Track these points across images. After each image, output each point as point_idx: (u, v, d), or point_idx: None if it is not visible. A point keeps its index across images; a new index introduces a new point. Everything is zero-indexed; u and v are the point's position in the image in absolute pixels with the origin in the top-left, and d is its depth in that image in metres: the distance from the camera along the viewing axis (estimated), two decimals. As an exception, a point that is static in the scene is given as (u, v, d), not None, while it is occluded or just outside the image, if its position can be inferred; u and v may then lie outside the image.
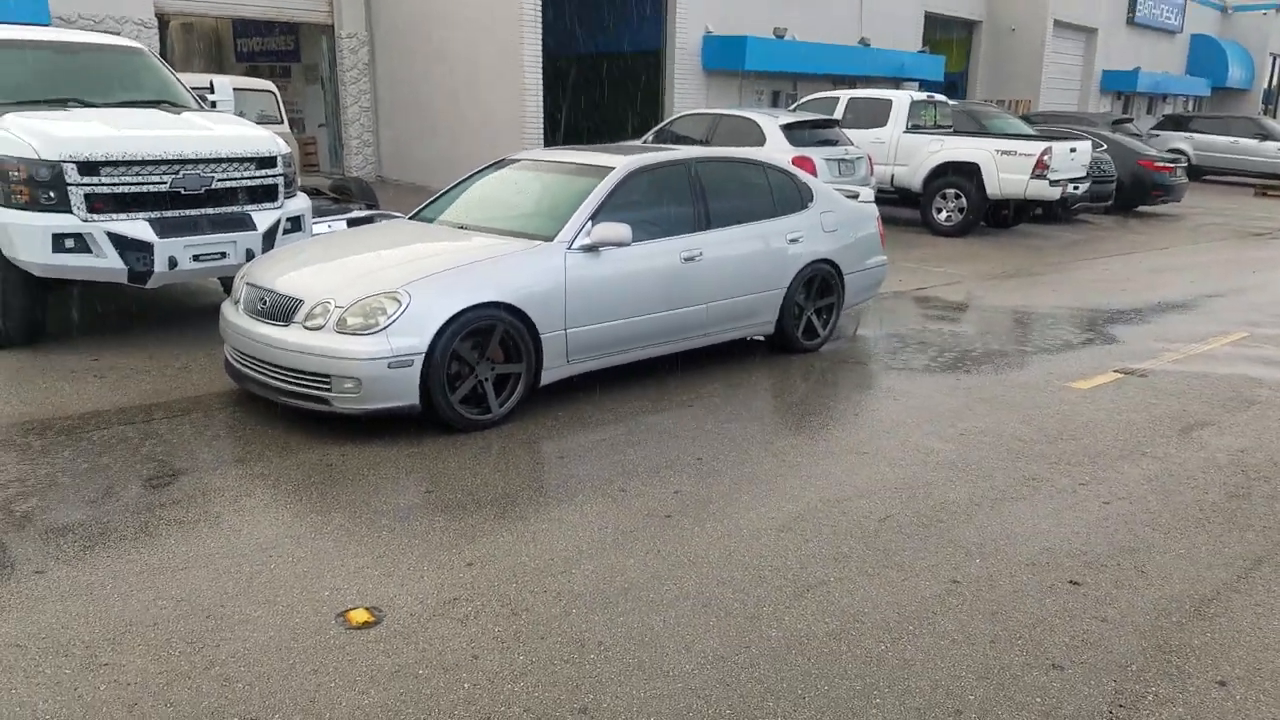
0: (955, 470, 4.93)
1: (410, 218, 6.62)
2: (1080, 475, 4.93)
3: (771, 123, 12.10)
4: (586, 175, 6.07)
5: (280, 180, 7.04)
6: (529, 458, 4.92)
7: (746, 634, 3.38)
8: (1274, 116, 34.52)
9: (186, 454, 4.85)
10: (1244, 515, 4.51)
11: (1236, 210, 19.25)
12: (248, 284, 5.50)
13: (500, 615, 3.44)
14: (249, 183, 6.81)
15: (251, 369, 5.30)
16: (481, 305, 5.15)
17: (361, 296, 4.98)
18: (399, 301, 4.96)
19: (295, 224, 7.23)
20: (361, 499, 4.36)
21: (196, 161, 6.48)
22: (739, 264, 6.46)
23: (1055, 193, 13.21)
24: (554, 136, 16.00)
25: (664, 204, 6.24)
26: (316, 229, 8.26)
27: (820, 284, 7.12)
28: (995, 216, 14.50)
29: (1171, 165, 17.42)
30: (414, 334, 4.95)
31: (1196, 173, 24.41)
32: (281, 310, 5.15)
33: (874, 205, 7.65)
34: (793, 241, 6.80)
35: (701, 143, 12.32)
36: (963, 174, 13.54)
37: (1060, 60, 26.91)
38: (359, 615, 3.41)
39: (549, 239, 5.61)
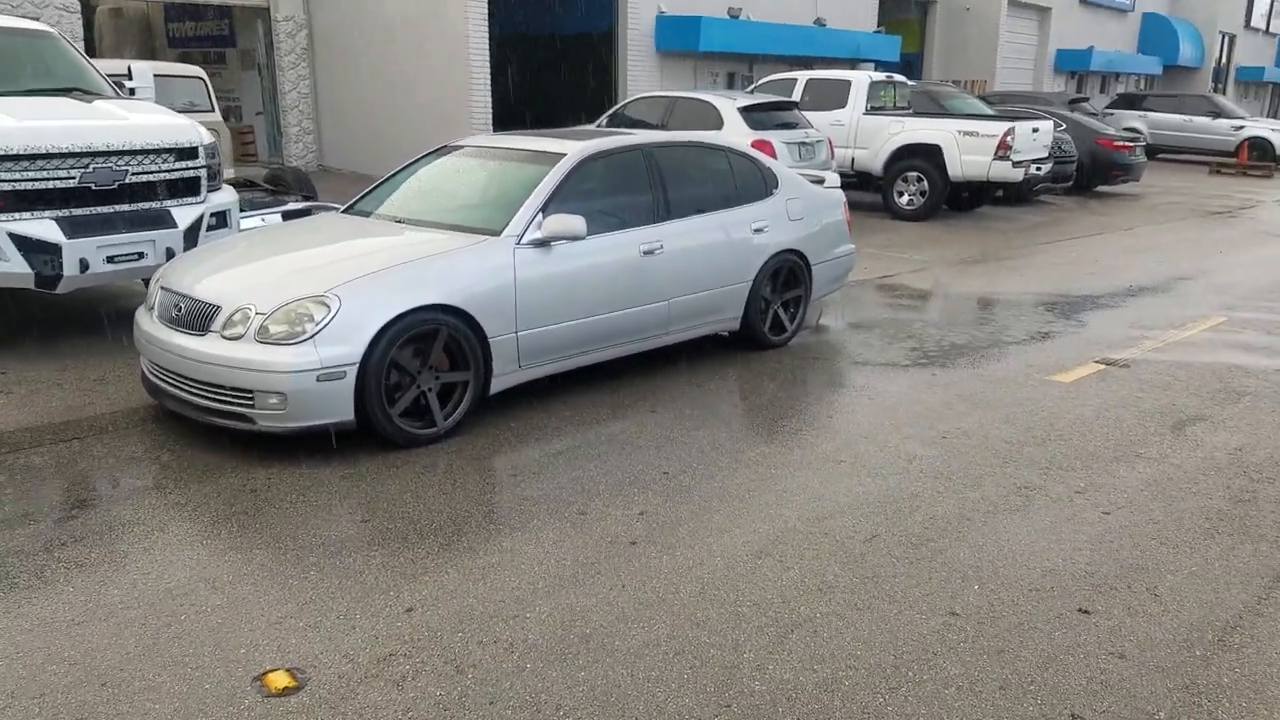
0: (941, 479, 4.56)
1: (344, 211, 6.10)
2: (1075, 482, 4.58)
3: (729, 105, 11.67)
4: (536, 163, 5.60)
5: (203, 172, 6.48)
6: (478, 477, 4.46)
7: (726, 689, 2.96)
8: (1223, 94, 34.79)
9: (97, 481, 4.33)
10: (1254, 523, 4.19)
11: (1193, 189, 19.20)
12: (162, 288, 4.97)
13: (443, 674, 2.99)
14: (168, 176, 6.24)
15: (168, 383, 4.78)
16: (422, 308, 4.67)
17: (285, 302, 4.48)
18: (327, 306, 4.46)
19: (221, 219, 6.67)
20: (288, 532, 3.88)
21: (109, 154, 5.91)
22: (702, 256, 6.04)
23: (1018, 174, 12.94)
24: (503, 122, 15.42)
25: (620, 193, 5.78)
26: (249, 223, 7.71)
27: (787, 276, 6.72)
28: (956, 199, 14.22)
29: (1131, 144, 17.28)
30: (345, 342, 4.46)
31: (1151, 151, 24.38)
32: (198, 318, 4.63)
33: (840, 191, 7.26)
34: (758, 231, 6.39)
35: (657, 127, 11.85)
36: (924, 156, 13.22)
37: (1015, 40, 26.77)
38: (278, 679, 2.94)
39: (496, 233, 5.14)
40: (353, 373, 4.48)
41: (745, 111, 11.59)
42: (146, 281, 7.24)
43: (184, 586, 3.45)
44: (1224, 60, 37.45)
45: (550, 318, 5.24)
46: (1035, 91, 23.32)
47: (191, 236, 6.35)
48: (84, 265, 5.78)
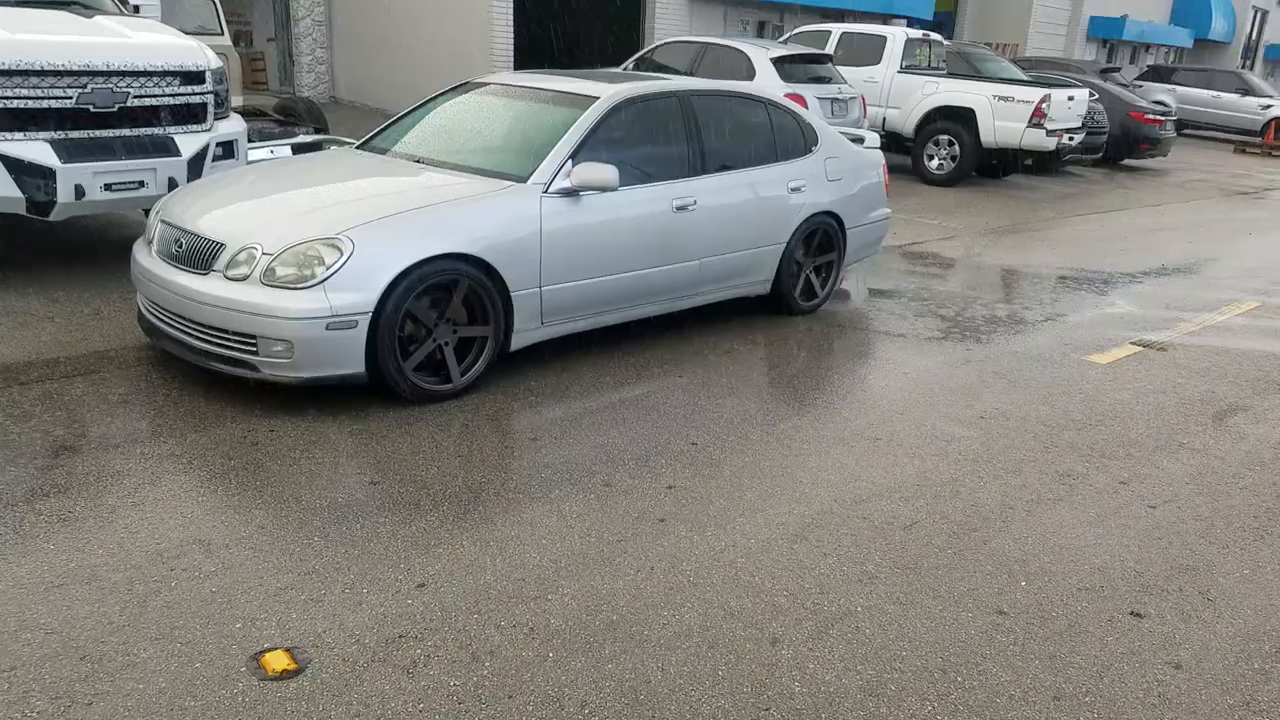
0: (980, 463, 4.29)
1: (359, 147, 5.76)
2: (1118, 471, 4.31)
3: (762, 55, 11.23)
4: (566, 105, 5.25)
5: (209, 99, 6.12)
6: (496, 439, 4.19)
7: (764, 689, 2.71)
8: (1251, 71, 34.06)
9: (86, 425, 4.05)
10: (1319, 530, 3.93)
11: (1219, 167, 18.76)
12: (163, 221, 4.66)
13: (457, 661, 2.73)
14: (172, 100, 5.89)
15: (166, 323, 4.48)
16: (441, 257, 4.37)
17: (294, 242, 4.17)
18: (340, 250, 4.15)
19: (227, 150, 6.33)
20: (291, 492, 3.61)
21: (109, 74, 5.55)
22: (736, 215, 5.71)
23: (1051, 143, 12.54)
24: (525, 63, 14.94)
25: (654, 143, 5.44)
26: (257, 154, 7.37)
27: (821, 239, 6.39)
28: (984, 166, 13.81)
29: (1162, 118, 16.81)
30: (358, 289, 4.16)
31: (1177, 127, 23.89)
32: (200, 255, 4.33)
33: (880, 152, 6.91)
34: (794, 191, 6.05)
35: (685, 74, 11.42)
36: (957, 120, 12.79)
37: (1049, 3, 26.06)
38: (277, 660, 2.68)
39: (521, 180, 4.81)
40: (365, 322, 4.19)
41: (778, 62, 11.15)
42: (147, 213, 6.94)
43: (176, 548, 3.18)
44: (1254, 36, 36.64)
45: (576, 273, 4.93)
46: (1067, 59, 22.72)
47: (195, 166, 6.01)
48: (79, 192, 5.46)
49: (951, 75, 13.51)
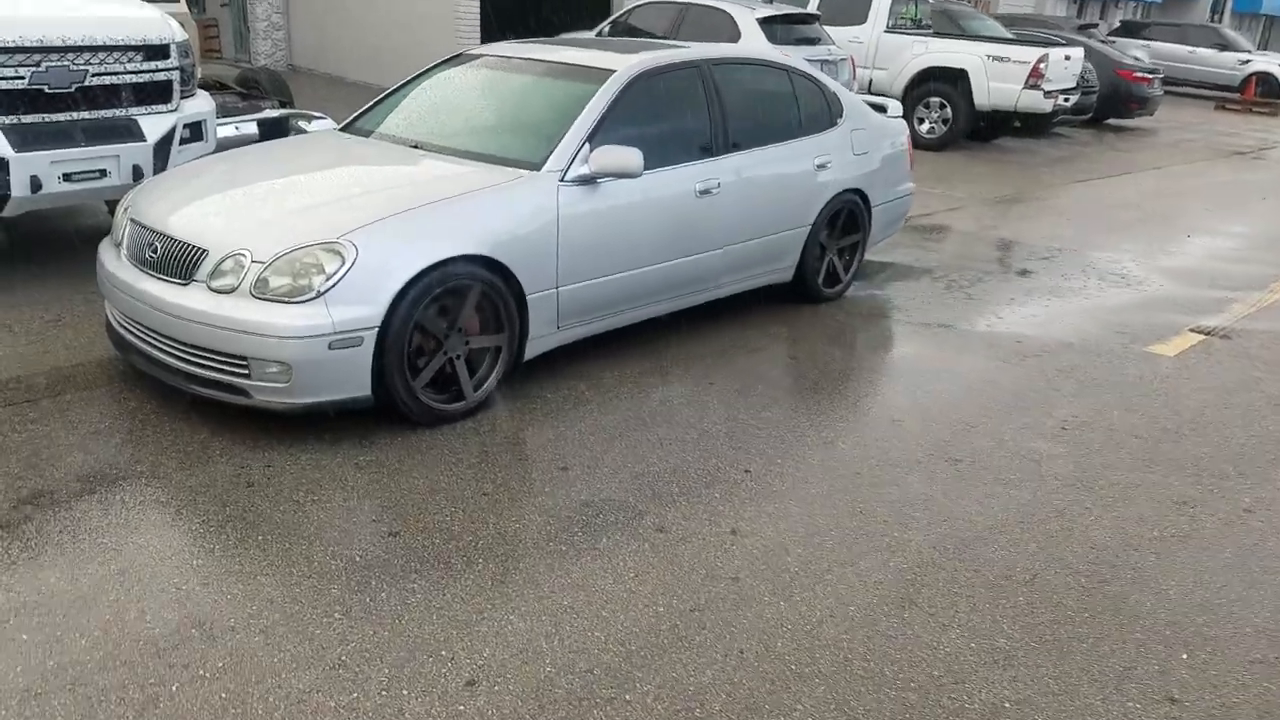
0: (1082, 489, 3.86)
1: (343, 129, 5.17)
2: (1237, 495, 3.90)
3: (747, 15, 10.66)
4: (578, 80, 4.70)
5: (175, 75, 5.49)
6: (521, 469, 3.70)
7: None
8: (1219, 24, 33.85)
9: (51, 464, 3.50)
10: None
11: (1204, 125, 18.48)
12: (132, 221, 4.08)
13: (527, 782, 2.26)
14: (135, 78, 5.25)
15: (140, 339, 3.92)
16: (454, 260, 3.84)
17: (289, 248, 3.62)
18: (341, 256, 3.61)
19: (195, 131, 5.71)
20: (299, 548, 3.10)
21: (64, 50, 4.90)
22: (763, 197, 5.22)
23: (1047, 105, 12.12)
24: (492, 25, 14.19)
25: (675, 120, 4.92)
26: (222, 132, 6.72)
27: (846, 219, 5.92)
28: (973, 129, 13.36)
29: (1150, 76, 16.44)
30: (364, 301, 3.63)
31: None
32: (178, 263, 3.76)
33: (903, 121, 6.43)
34: (820, 167, 5.56)
35: (663, 38, 10.82)
36: (948, 81, 12.32)
37: (1022, -43, 25.51)
38: (309, 790, 2.20)
39: (535, 167, 4.27)
40: (371, 338, 3.66)
41: (765, 23, 10.59)
42: (110, 206, 6.30)
43: (173, 635, 2.67)
44: (1223, -12, 36.42)
45: (595, 270, 4.43)
46: (1043, 15, 22.28)
47: (162, 151, 5.40)
48: (36, 184, 4.83)
49: (939, 34, 13.00)
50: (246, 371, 3.61)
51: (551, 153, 4.31)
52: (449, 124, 4.82)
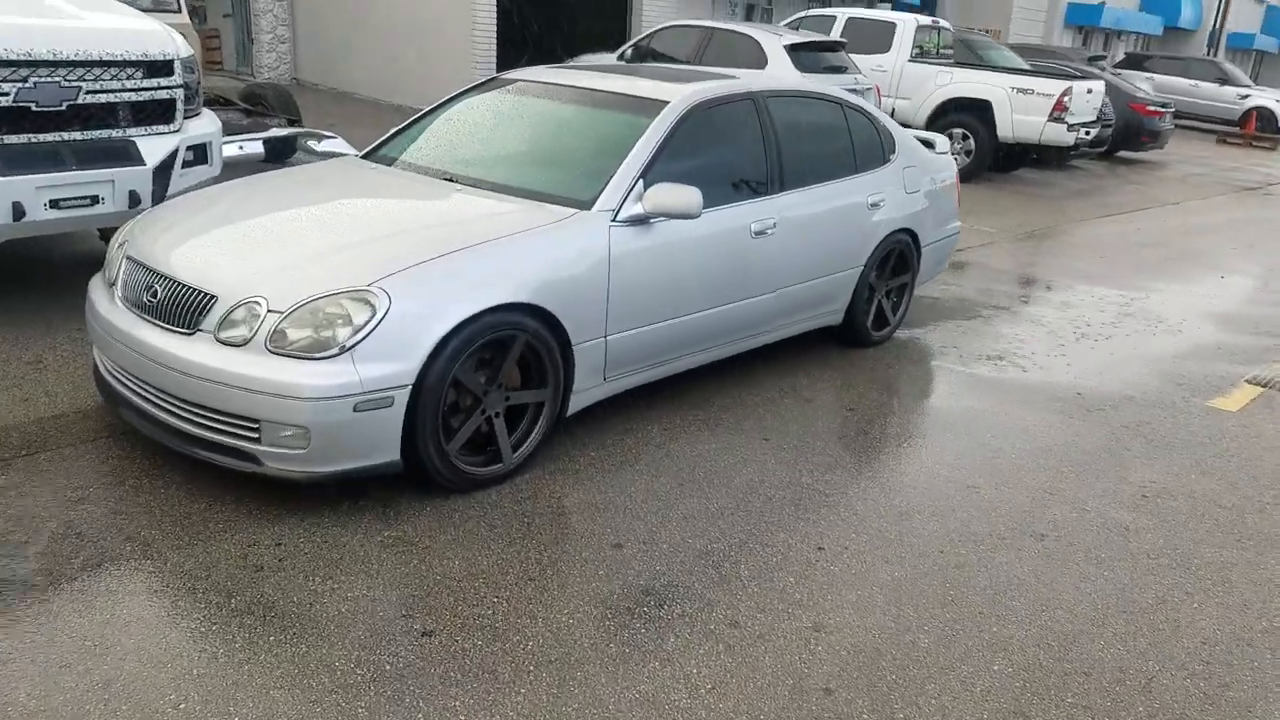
0: (1177, 569, 3.46)
1: (365, 156, 4.75)
2: (1341, 577, 3.51)
3: (775, 42, 10.32)
4: (629, 111, 4.30)
5: (179, 93, 5.07)
6: (569, 546, 3.26)
7: None
8: (1215, 57, 33.86)
9: (29, 541, 3.04)
10: None
11: (1208, 159, 18.27)
12: (129, 259, 3.64)
13: None
14: (133, 96, 4.82)
15: (134, 392, 3.47)
16: (497, 309, 3.42)
17: (311, 296, 3.19)
18: (371, 306, 3.18)
19: (200, 154, 5.28)
20: (318, 653, 2.65)
21: (55, 64, 4.47)
22: (817, 238, 4.82)
23: (1070, 139, 11.81)
24: (507, 43, 13.82)
25: (729, 156, 4.52)
26: (226, 151, 6.31)
27: (896, 260, 5.53)
28: (994, 160, 13.05)
29: (1162, 110, 16.22)
30: (396, 357, 3.19)
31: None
32: (182, 309, 3.32)
33: (951, 159, 6.05)
34: (874, 206, 5.17)
35: (687, 62, 10.48)
36: (972, 112, 12.00)
37: (1029, -12, 25.43)
38: None
39: (584, 205, 3.86)
40: (404, 398, 3.23)
41: (792, 50, 10.24)
42: (102, 236, 5.87)
43: (173, 765, 2.22)
44: (1218, 24, 36.50)
45: (645, 316, 4.01)
46: (1054, 46, 22.12)
47: (163, 176, 4.96)
48: (19, 211, 4.39)
49: (960, 64, 12.71)
50: (257, 435, 3.17)
51: (602, 190, 3.89)
52: (484, 155, 4.40)
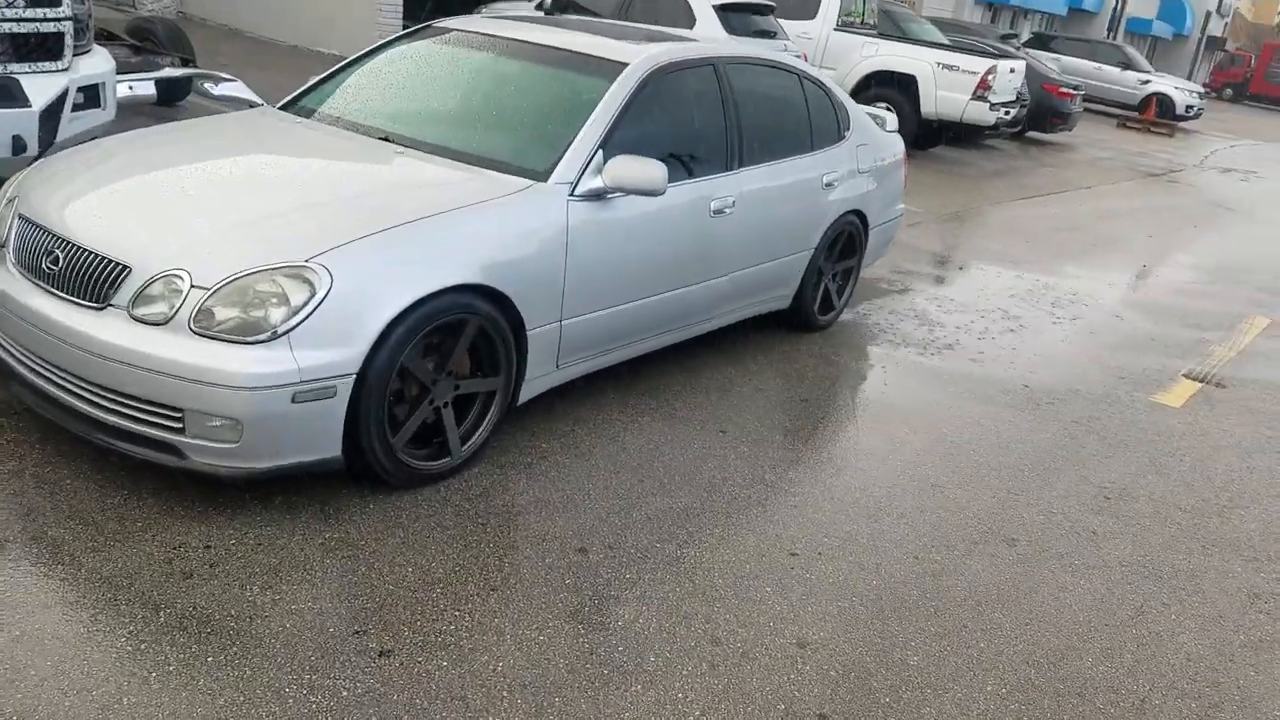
0: (1149, 578, 3.41)
1: (284, 107, 4.32)
2: (1300, 583, 3.52)
3: (703, 1, 10.02)
4: (584, 72, 3.99)
5: (68, 26, 4.55)
6: (530, 551, 3.01)
7: None
8: (1116, 40, 34.92)
9: (-95, 547, 2.64)
10: None
11: (1112, 143, 18.79)
12: (22, 218, 3.19)
13: None
14: (14, 28, 4.30)
15: (33, 371, 3.06)
16: (449, 290, 3.11)
17: (242, 270, 2.83)
18: (310, 285, 2.84)
19: (91, 97, 4.80)
20: (263, 676, 2.35)
21: (-74, -14, 3.93)
22: (773, 218, 4.63)
23: (991, 118, 11.90)
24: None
25: (689, 126, 4.27)
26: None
27: (845, 242, 5.38)
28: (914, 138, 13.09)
29: (1073, 92, 16.56)
30: (338, 343, 2.87)
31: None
32: (89, 279, 2.92)
33: (900, 137, 5.92)
34: (827, 186, 4.99)
35: (611, 18, 10.08)
36: (897, 86, 11.96)
37: (942, -38, 25.64)
38: None
39: (539, 176, 3.56)
40: (347, 389, 2.91)
41: (721, 11, 9.98)
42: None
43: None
44: (1119, 9, 37.63)
45: (602, 299, 3.75)
46: (963, 21, 22.35)
47: (50, 120, 4.47)
48: (-114, 156, 3.86)
49: (885, 36, 12.64)
50: (180, 425, 2.81)
51: (559, 160, 3.60)
52: (423, 113, 4.04)
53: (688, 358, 4.67)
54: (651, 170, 3.58)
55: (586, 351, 3.83)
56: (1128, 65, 25.19)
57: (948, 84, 11.68)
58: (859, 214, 5.35)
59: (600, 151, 3.67)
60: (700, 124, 4.28)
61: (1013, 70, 12.19)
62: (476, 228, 3.25)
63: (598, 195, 3.63)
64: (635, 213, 3.79)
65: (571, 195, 3.55)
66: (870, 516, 3.51)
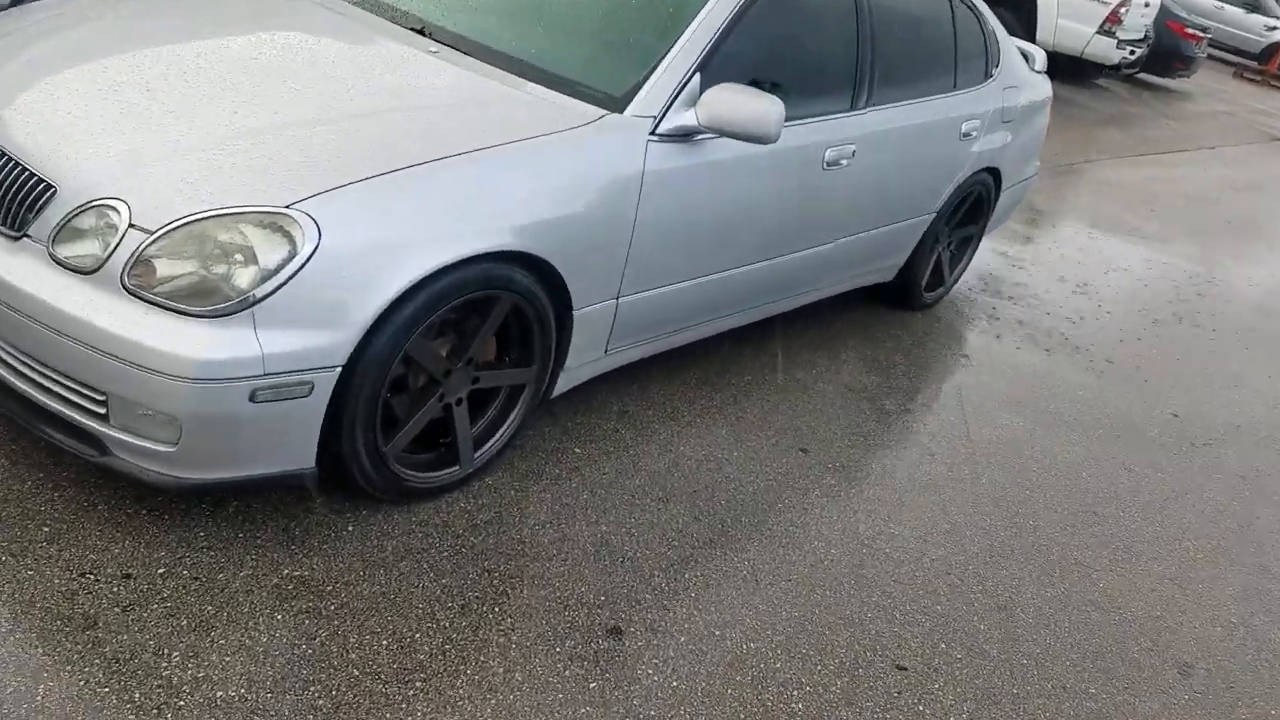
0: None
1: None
2: None
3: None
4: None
5: None
6: (542, 623, 2.27)
7: None
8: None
9: None
10: None
11: (1229, 95, 17.20)
12: (-68, 97, 2.40)
13: None
14: None
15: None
16: (479, 258, 2.30)
17: (196, 213, 2.03)
18: (290, 239, 2.04)
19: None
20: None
21: None
22: (898, 173, 3.74)
23: (1117, 56, 10.64)
24: None
25: (810, 50, 3.35)
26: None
27: (972, 205, 4.47)
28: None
29: (1201, 34, 14.97)
30: (321, 322, 2.08)
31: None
32: (5, 193, 2.14)
33: (1047, 79, 4.93)
34: (965, 136, 4.06)
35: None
36: (1009, 6, 10.65)
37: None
38: None
39: (613, 105, 2.69)
40: (328, 385, 2.13)
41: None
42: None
43: None
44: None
45: (671, 273, 2.93)
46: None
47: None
48: None
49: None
50: (103, 410, 2.07)
51: (641, 85, 2.72)
52: (472, 2, 3.15)
53: (760, 336, 3.85)
54: (764, 107, 2.68)
55: (646, 334, 3.03)
56: (1254, 8, 23.07)
57: (1072, 12, 10.41)
58: (994, 171, 4.42)
59: (697, 76, 2.78)
60: (826, 48, 3.36)
61: (1147, 4, 10.84)
62: (523, 174, 2.41)
63: (686, 135, 2.76)
64: (728, 159, 2.92)
65: (653, 134, 2.69)
66: (1001, 609, 2.72)
